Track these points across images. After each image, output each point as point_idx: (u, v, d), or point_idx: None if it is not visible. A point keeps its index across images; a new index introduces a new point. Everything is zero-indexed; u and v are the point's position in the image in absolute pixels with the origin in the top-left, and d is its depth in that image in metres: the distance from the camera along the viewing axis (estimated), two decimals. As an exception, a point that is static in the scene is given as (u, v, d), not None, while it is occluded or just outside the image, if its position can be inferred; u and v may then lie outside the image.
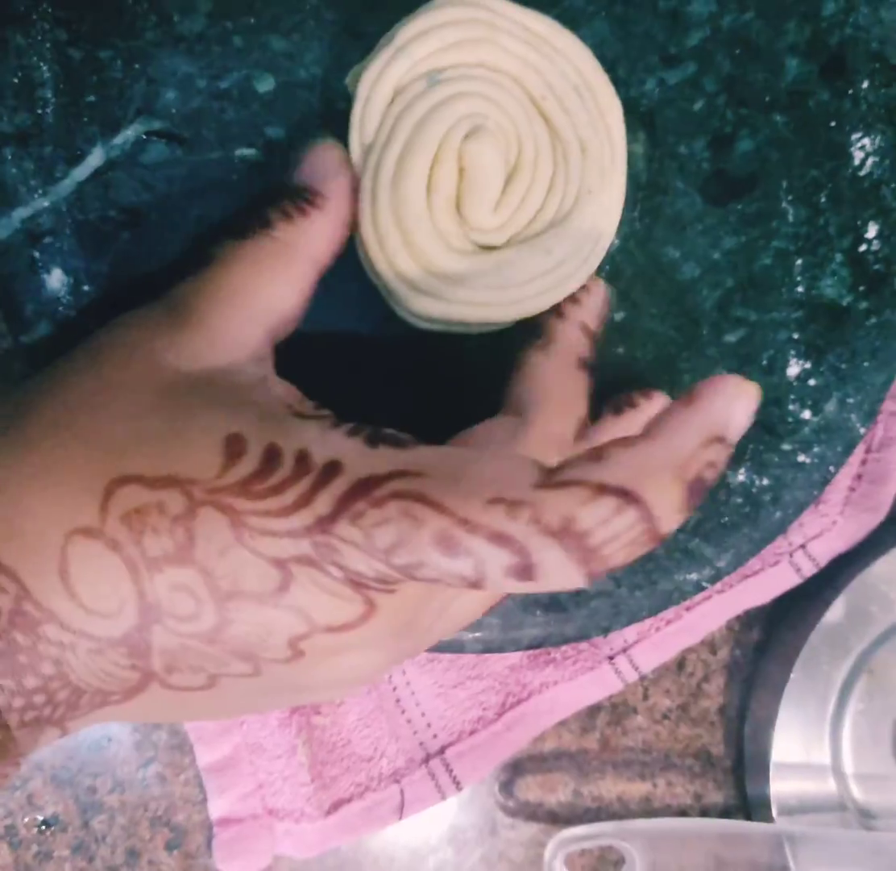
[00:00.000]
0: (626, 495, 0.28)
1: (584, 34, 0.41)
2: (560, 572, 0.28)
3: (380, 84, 0.39)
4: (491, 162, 0.39)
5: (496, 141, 0.39)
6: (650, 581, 0.46)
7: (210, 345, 0.34)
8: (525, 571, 0.28)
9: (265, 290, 0.35)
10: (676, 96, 0.43)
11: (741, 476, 0.46)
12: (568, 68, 0.40)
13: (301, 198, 0.37)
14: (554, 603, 0.46)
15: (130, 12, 0.40)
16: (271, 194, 0.37)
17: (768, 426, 0.46)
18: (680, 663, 0.54)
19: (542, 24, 0.40)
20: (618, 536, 0.28)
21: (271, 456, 0.31)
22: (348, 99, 0.40)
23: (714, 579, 0.46)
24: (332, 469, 0.30)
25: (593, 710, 0.53)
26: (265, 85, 0.41)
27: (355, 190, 0.38)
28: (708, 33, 0.43)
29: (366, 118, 0.39)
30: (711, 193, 0.44)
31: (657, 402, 0.41)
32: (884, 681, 0.53)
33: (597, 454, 0.29)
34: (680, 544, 0.46)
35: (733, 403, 0.30)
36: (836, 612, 0.52)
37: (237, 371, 0.34)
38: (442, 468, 0.30)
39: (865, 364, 0.46)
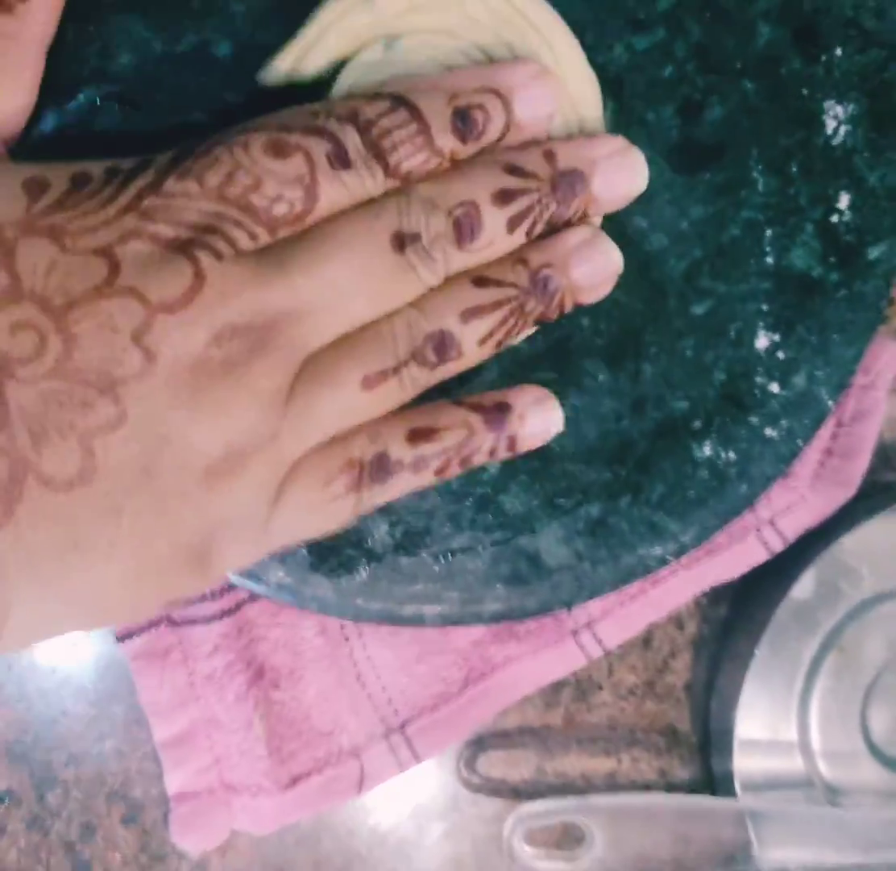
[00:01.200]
0: (397, 98, 0.34)
1: (551, -2, 0.41)
2: (362, 160, 0.33)
3: (332, 33, 0.38)
4: None
5: None
6: (613, 555, 0.45)
7: None
8: (341, 158, 0.33)
9: None
10: (645, 62, 0.43)
11: (707, 450, 0.45)
12: (543, 48, 0.39)
13: None
14: (515, 577, 0.45)
15: (83, -28, 0.39)
16: None
17: (735, 399, 0.45)
18: (646, 639, 0.53)
19: (534, 9, 0.39)
20: (395, 129, 0.33)
21: (79, 178, 0.32)
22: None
23: (679, 554, 0.46)
24: (145, 163, 0.32)
25: (558, 685, 0.53)
26: (223, 50, 0.40)
27: None
28: (678, -3, 0.42)
29: (309, 62, 0.38)
30: (680, 162, 0.43)
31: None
32: (853, 658, 0.53)
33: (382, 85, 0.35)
34: (644, 518, 0.45)
35: (525, 76, 0.36)
36: (804, 587, 0.51)
37: None
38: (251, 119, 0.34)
39: (835, 337, 0.45)
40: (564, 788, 0.53)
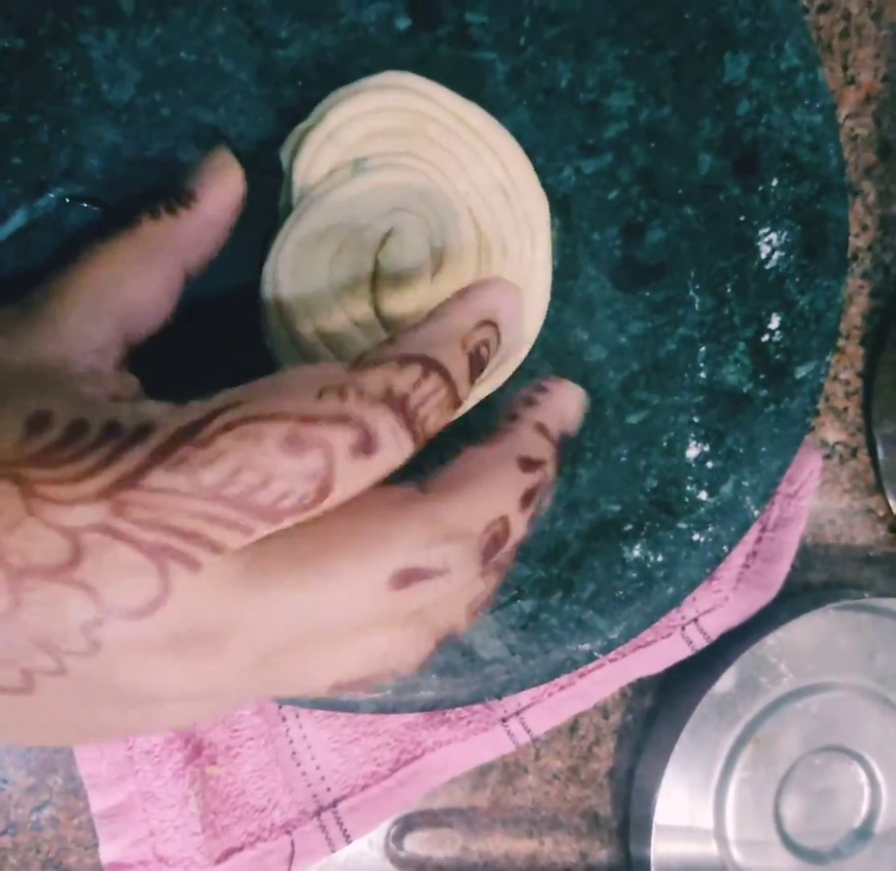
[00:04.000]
0: (427, 362, 0.32)
1: (505, 121, 0.43)
2: (394, 439, 0.30)
3: (312, 172, 0.40)
4: (413, 263, 0.41)
5: (419, 242, 0.40)
6: (544, 650, 0.47)
7: (48, 338, 0.33)
8: (367, 445, 0.30)
9: (119, 285, 0.35)
10: (592, 185, 0.45)
11: (636, 552, 0.47)
12: (496, 166, 0.41)
13: (172, 198, 0.38)
14: (449, 668, 0.47)
15: (60, 78, 0.41)
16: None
17: (665, 505, 0.47)
18: (572, 726, 0.55)
19: (477, 118, 0.41)
20: (428, 398, 0.32)
21: (76, 428, 0.30)
22: (273, 172, 0.41)
23: (606, 650, 0.48)
24: (143, 430, 0.29)
25: (485, 768, 0.54)
26: (190, 156, 0.42)
27: (234, 191, 0.39)
28: (625, 126, 0.45)
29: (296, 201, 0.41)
30: (621, 280, 0.46)
31: (562, 387, 0.37)
32: (769, 750, 0.55)
33: (389, 339, 0.33)
34: (574, 615, 0.47)
35: (501, 296, 0.35)
36: (726, 682, 0.53)
37: (70, 362, 0.33)
38: (258, 390, 0.30)
39: (763, 450, 0.47)
40: (487, 867, 0.55)
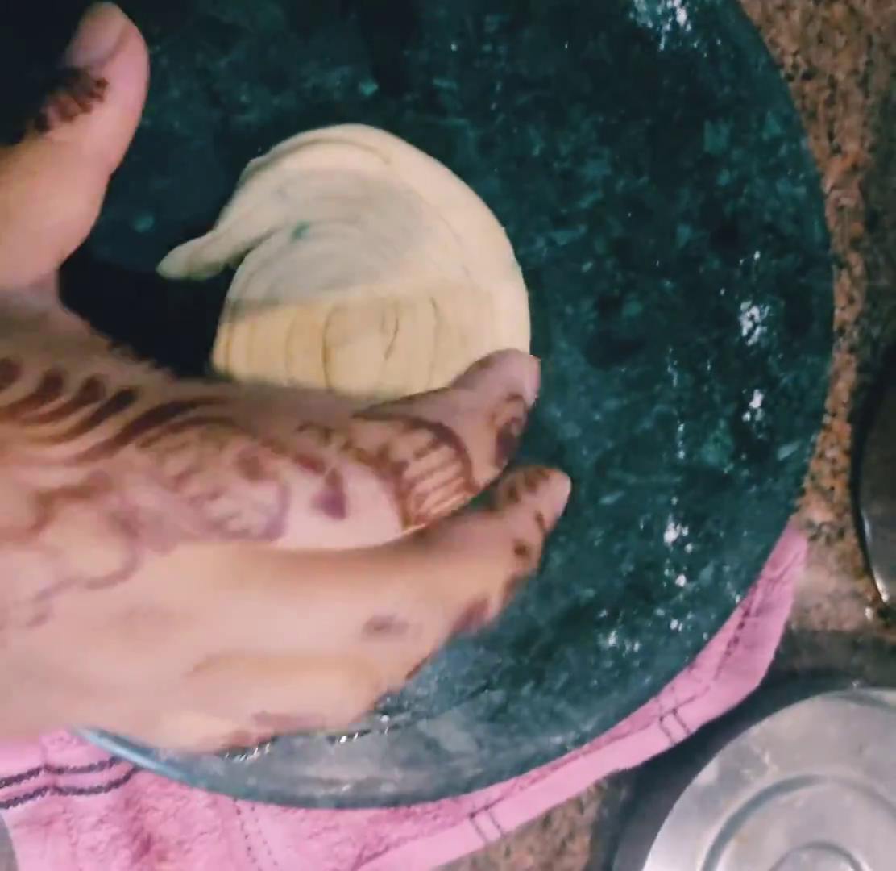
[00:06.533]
0: (443, 430, 0.29)
1: (476, 189, 0.41)
2: (373, 509, 0.27)
3: (249, 224, 0.38)
4: (363, 348, 0.38)
5: (367, 321, 0.38)
6: (513, 743, 0.45)
7: None
8: (334, 504, 0.26)
9: (46, 203, 0.31)
10: (565, 257, 0.43)
11: (612, 640, 0.45)
12: (453, 245, 0.40)
13: (80, 88, 0.32)
14: (412, 761, 0.44)
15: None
16: (49, 83, 0.32)
17: (642, 591, 0.45)
18: (545, 820, 0.53)
19: (435, 193, 0.40)
20: (433, 471, 0.28)
21: (52, 381, 0.27)
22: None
23: (579, 743, 0.45)
24: (125, 397, 0.27)
25: (452, 865, 0.52)
26: (144, 224, 0.40)
27: (143, 65, 0.32)
28: (600, 196, 0.43)
29: (212, 251, 0.39)
30: (596, 355, 0.44)
31: (558, 478, 0.35)
32: (754, 847, 0.52)
33: (409, 398, 0.30)
34: (546, 706, 0.45)
35: (526, 368, 0.34)
36: (707, 774, 0.51)
37: (14, 301, 0.30)
38: (253, 397, 0.28)
39: (745, 533, 0.45)
40: None
